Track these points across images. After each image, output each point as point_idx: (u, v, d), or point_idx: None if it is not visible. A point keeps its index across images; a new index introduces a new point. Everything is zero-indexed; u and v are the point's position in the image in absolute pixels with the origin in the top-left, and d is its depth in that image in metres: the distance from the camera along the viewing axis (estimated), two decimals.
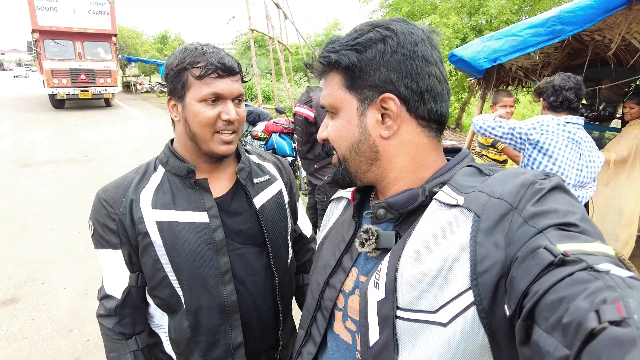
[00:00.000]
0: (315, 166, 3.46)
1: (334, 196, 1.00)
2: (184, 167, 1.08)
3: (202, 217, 1.08)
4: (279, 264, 1.21)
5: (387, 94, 0.68)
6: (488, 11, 10.09)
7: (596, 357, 0.34)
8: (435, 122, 0.72)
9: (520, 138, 2.55)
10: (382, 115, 0.70)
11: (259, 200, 1.17)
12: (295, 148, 5.77)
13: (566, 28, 2.91)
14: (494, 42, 3.35)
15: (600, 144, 4.99)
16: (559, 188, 0.58)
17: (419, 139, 0.72)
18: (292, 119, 5.20)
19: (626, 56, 3.57)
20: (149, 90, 23.77)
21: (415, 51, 0.68)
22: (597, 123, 5.34)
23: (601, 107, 5.23)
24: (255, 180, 1.19)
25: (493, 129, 2.62)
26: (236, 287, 1.12)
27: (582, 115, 5.74)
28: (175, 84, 1.04)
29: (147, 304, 1.16)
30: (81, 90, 14.69)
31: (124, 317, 1.12)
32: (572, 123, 2.52)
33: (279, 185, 1.25)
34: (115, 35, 15.61)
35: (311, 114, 3.31)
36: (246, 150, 1.27)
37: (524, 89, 5.48)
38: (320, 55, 0.73)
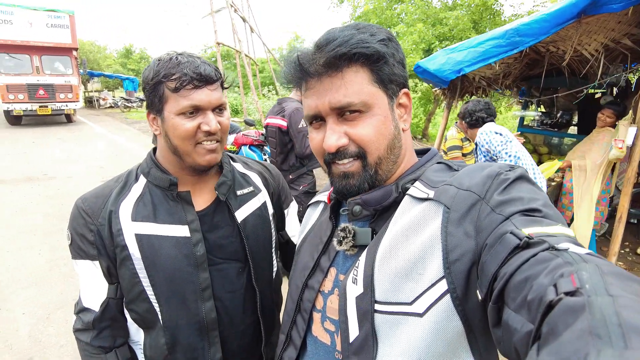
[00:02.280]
0: (290, 177, 3.43)
1: (312, 201, 1.01)
2: (167, 179, 1.05)
3: (183, 230, 1.04)
4: (261, 280, 1.17)
5: (405, 89, 0.74)
6: (447, 21, 10.65)
7: (553, 325, 0.36)
8: None
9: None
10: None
11: (241, 214, 1.14)
12: (265, 160, 5.73)
13: (524, 39, 3.08)
14: (457, 53, 3.49)
15: (560, 149, 5.25)
16: (523, 178, 0.62)
17: (409, 134, 0.77)
18: (264, 131, 5.18)
19: (578, 66, 3.79)
20: (113, 105, 23.06)
21: (403, 52, 0.74)
22: (555, 130, 5.63)
23: (559, 114, 5.52)
24: (239, 192, 1.16)
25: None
26: (215, 304, 1.08)
27: (542, 122, 6.06)
28: (153, 98, 1.00)
29: (126, 317, 1.11)
30: (40, 106, 14.05)
31: (102, 330, 1.07)
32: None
33: (263, 197, 1.22)
34: (76, 49, 15.09)
35: (284, 124, 3.27)
36: (232, 158, 1.24)
37: (488, 98, 5.71)
38: (349, 46, 0.65)
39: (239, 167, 1.23)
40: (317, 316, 0.79)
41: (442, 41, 10.79)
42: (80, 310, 1.08)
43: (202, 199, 1.11)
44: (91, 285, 1.06)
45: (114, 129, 14.40)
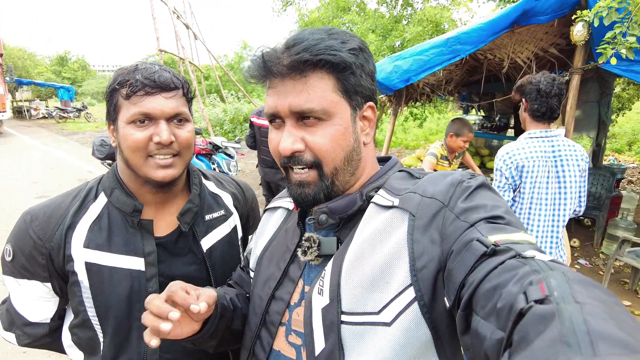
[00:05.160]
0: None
1: (269, 206, 0.96)
2: (131, 204, 0.96)
3: (137, 263, 0.96)
4: None
5: (371, 102, 0.72)
6: (401, 35, 10.89)
7: (524, 333, 0.37)
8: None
9: (513, 180, 2.42)
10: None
11: (208, 242, 1.06)
12: (214, 170, 5.59)
13: (464, 47, 3.25)
14: (403, 61, 3.60)
15: None
16: (484, 186, 0.64)
17: (372, 146, 0.76)
18: (211, 140, 5.24)
19: (514, 73, 4.06)
20: (47, 116, 21.45)
21: (374, 64, 0.73)
22: (495, 132, 5.98)
23: (497, 118, 5.88)
24: (207, 217, 1.08)
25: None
26: (167, 340, 1.00)
27: (482, 126, 6.39)
28: (109, 107, 0.94)
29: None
30: None
31: (57, 337, 1.06)
32: (535, 138, 2.33)
33: (233, 221, 1.15)
34: (1, 55, 13.91)
35: None
36: (205, 176, 1.15)
37: (431, 104, 5.96)
38: (315, 52, 0.63)
39: (211, 186, 1.15)
40: (281, 330, 0.75)
41: (394, 52, 11.06)
42: (25, 324, 1.01)
43: (165, 223, 1.02)
44: (36, 302, 1.00)
45: (48, 141, 13.38)
